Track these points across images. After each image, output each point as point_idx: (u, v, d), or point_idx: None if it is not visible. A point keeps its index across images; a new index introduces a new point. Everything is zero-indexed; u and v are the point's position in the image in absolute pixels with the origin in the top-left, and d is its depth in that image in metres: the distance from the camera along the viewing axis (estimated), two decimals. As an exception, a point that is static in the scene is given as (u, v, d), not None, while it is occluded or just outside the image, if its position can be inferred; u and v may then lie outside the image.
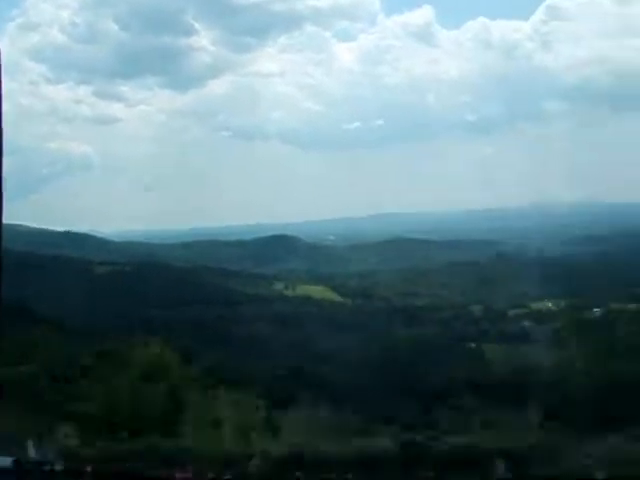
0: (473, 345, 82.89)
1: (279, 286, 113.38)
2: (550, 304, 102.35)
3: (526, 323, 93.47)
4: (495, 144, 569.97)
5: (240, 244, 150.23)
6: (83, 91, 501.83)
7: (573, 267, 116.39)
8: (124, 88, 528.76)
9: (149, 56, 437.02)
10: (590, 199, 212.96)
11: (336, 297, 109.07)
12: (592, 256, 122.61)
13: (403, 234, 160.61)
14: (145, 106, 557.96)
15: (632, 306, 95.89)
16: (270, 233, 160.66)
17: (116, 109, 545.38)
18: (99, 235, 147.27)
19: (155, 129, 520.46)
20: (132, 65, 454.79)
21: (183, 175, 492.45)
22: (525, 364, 67.61)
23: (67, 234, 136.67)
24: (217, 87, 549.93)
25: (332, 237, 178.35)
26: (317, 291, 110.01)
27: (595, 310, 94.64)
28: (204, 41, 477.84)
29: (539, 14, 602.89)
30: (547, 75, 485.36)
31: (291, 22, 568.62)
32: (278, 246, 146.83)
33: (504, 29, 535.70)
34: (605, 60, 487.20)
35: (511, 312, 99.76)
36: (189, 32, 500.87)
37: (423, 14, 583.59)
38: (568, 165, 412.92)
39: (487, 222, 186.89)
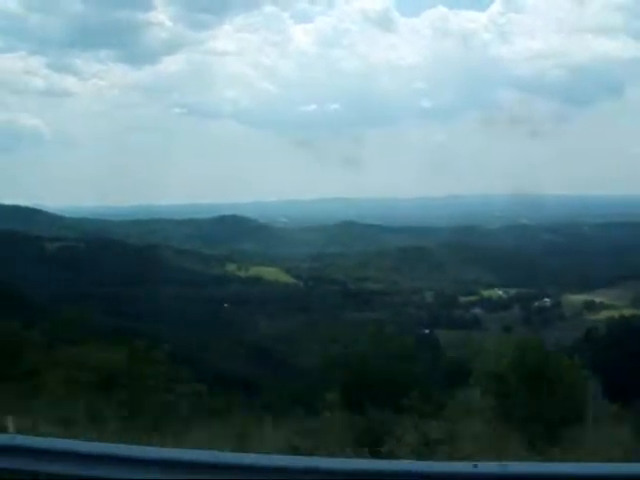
0: (427, 331, 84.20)
1: (232, 267, 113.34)
2: (500, 292, 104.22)
3: (477, 310, 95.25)
4: (449, 132, 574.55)
5: (192, 223, 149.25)
6: (36, 62, 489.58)
7: (524, 256, 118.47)
8: (78, 61, 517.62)
9: (105, 29, 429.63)
10: (537, 190, 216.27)
11: (289, 279, 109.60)
12: (543, 246, 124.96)
13: (354, 219, 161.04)
14: (98, 80, 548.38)
15: (583, 296, 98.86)
16: (221, 213, 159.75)
17: (69, 82, 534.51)
18: (48, 210, 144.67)
19: (108, 104, 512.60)
20: (87, 38, 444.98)
21: (134, 151, 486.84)
22: (478, 350, 69.06)
23: (15, 208, 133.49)
24: (172, 64, 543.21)
25: (284, 219, 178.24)
26: (270, 272, 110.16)
27: (545, 300, 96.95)
28: (161, 16, 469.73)
29: (496, 5, 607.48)
30: (502, 66, 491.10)
31: (250, 1, 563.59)
32: (230, 226, 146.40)
33: (462, 19, 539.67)
34: (559, 54, 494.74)
35: (462, 299, 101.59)
36: (148, 7, 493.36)
37: (383, 0, 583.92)
38: (518, 155, 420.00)
39: (437, 209, 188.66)
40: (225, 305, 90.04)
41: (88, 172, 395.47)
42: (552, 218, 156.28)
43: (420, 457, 7.55)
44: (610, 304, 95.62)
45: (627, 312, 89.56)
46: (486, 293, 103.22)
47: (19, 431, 6.24)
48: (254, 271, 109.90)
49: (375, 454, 8.01)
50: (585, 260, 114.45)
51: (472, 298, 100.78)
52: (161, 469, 5.51)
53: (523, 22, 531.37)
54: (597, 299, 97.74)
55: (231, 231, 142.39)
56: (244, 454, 6.01)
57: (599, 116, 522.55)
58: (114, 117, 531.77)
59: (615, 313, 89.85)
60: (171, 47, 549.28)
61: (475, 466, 5.19)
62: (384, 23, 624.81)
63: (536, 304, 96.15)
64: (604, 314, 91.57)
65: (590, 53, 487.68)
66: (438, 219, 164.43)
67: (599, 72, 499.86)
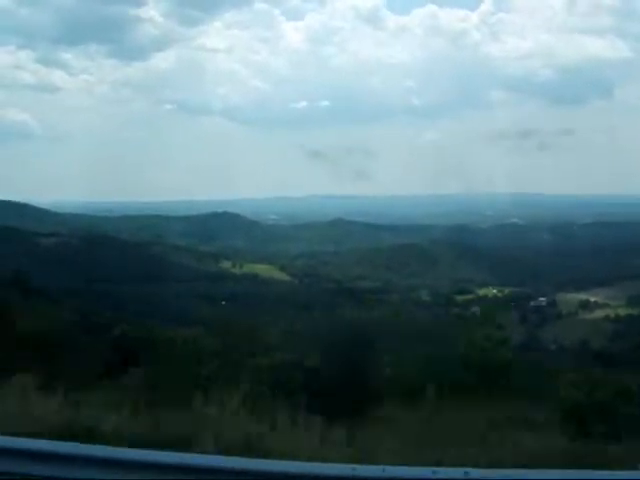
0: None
1: (226, 264, 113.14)
2: (495, 291, 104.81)
3: (475, 309, 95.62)
4: (438, 130, 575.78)
5: (184, 220, 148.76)
6: (25, 56, 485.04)
7: (517, 255, 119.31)
8: (67, 56, 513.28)
9: (96, 24, 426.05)
10: (529, 190, 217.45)
11: (285, 277, 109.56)
12: (534, 245, 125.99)
13: (344, 216, 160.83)
14: (88, 75, 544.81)
15: (577, 295, 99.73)
16: (210, 209, 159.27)
17: (58, 77, 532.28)
18: (38, 205, 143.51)
19: (98, 99, 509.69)
20: (77, 33, 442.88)
21: (124, 147, 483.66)
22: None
23: (6, 203, 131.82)
24: (163, 60, 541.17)
25: (274, 216, 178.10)
26: (265, 270, 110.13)
27: (541, 299, 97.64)
28: (152, 12, 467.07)
29: (487, 5, 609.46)
30: (492, 65, 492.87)
31: None
32: (221, 223, 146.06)
33: (452, 17, 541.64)
34: (549, 54, 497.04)
35: (458, 297, 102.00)
36: (139, 2, 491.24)
37: None
38: (509, 155, 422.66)
39: (428, 208, 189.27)
40: (223, 302, 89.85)
41: (78, 168, 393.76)
42: (542, 217, 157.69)
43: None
44: (604, 303, 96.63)
45: (622, 311, 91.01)
46: (481, 292, 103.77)
47: None
48: (248, 268, 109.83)
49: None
50: (577, 259, 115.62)
51: (468, 297, 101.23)
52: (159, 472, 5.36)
53: (513, 21, 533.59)
54: (591, 298, 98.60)
55: (222, 228, 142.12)
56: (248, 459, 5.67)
57: (588, 116, 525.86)
58: (104, 113, 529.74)
59: (611, 312, 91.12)
60: (162, 43, 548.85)
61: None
62: (375, 21, 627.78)
63: (532, 303, 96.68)
64: (599, 313, 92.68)
65: (580, 53, 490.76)
66: (429, 217, 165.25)
67: (588, 72, 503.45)
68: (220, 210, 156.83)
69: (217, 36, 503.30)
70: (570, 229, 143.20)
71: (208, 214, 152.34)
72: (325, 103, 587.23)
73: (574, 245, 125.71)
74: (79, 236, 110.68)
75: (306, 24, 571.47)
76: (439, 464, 6.45)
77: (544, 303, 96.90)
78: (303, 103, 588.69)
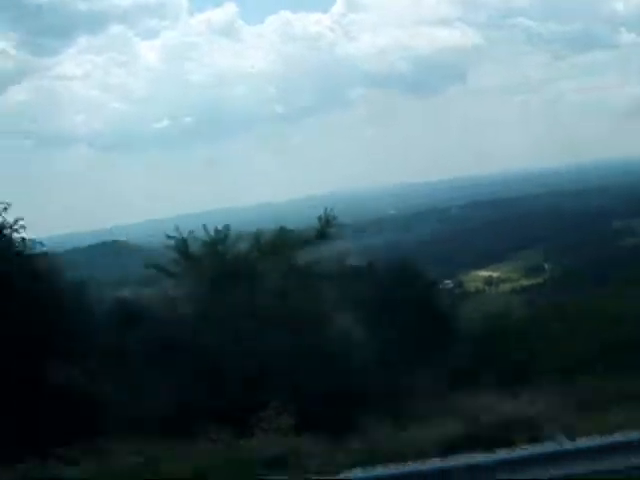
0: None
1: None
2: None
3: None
4: (304, 133, 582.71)
5: (75, 252, 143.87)
6: None
7: (406, 245, 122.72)
8: None
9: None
10: (395, 180, 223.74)
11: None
12: (419, 233, 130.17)
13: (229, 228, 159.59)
14: None
15: (480, 273, 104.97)
16: (87, 240, 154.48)
17: None
18: None
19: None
20: None
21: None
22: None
23: None
24: (18, 93, 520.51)
25: (152, 239, 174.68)
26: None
27: (447, 282, 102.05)
28: (3, 44, 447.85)
29: (338, 6, 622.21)
30: (350, 63, 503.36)
31: (94, 21, 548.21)
32: (111, 252, 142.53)
33: (306, 22, 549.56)
34: (403, 47, 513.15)
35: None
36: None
37: (226, 11, 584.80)
38: (375, 148, 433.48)
39: (308, 210, 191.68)
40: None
41: None
42: (415, 206, 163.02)
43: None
44: (506, 277, 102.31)
45: (525, 282, 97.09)
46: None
47: None
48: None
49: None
50: (464, 241, 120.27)
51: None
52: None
53: (365, 20, 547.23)
54: (493, 274, 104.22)
55: (113, 256, 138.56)
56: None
57: (445, 102, 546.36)
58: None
59: (515, 285, 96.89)
60: (16, 75, 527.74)
61: None
62: (230, 32, 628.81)
63: (440, 287, 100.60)
64: (504, 287, 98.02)
65: (432, 44, 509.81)
66: (310, 219, 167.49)
67: (442, 61, 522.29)
68: (101, 240, 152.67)
69: (73, 63, 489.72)
70: (447, 213, 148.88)
71: (97, 244, 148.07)
72: (188, 119, 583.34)
73: (456, 227, 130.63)
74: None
75: (162, 42, 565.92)
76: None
77: (451, 285, 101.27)
78: (165, 122, 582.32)
